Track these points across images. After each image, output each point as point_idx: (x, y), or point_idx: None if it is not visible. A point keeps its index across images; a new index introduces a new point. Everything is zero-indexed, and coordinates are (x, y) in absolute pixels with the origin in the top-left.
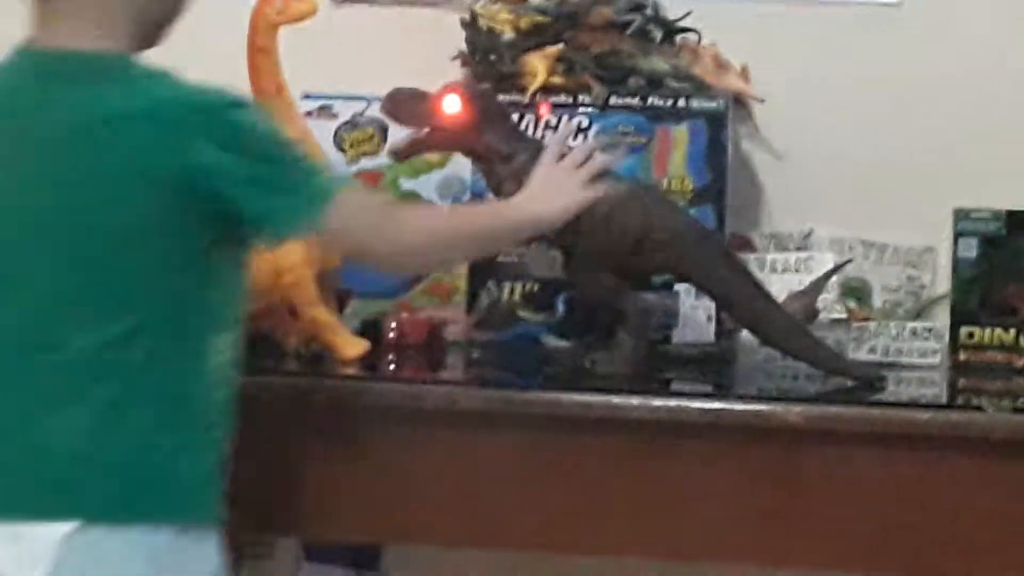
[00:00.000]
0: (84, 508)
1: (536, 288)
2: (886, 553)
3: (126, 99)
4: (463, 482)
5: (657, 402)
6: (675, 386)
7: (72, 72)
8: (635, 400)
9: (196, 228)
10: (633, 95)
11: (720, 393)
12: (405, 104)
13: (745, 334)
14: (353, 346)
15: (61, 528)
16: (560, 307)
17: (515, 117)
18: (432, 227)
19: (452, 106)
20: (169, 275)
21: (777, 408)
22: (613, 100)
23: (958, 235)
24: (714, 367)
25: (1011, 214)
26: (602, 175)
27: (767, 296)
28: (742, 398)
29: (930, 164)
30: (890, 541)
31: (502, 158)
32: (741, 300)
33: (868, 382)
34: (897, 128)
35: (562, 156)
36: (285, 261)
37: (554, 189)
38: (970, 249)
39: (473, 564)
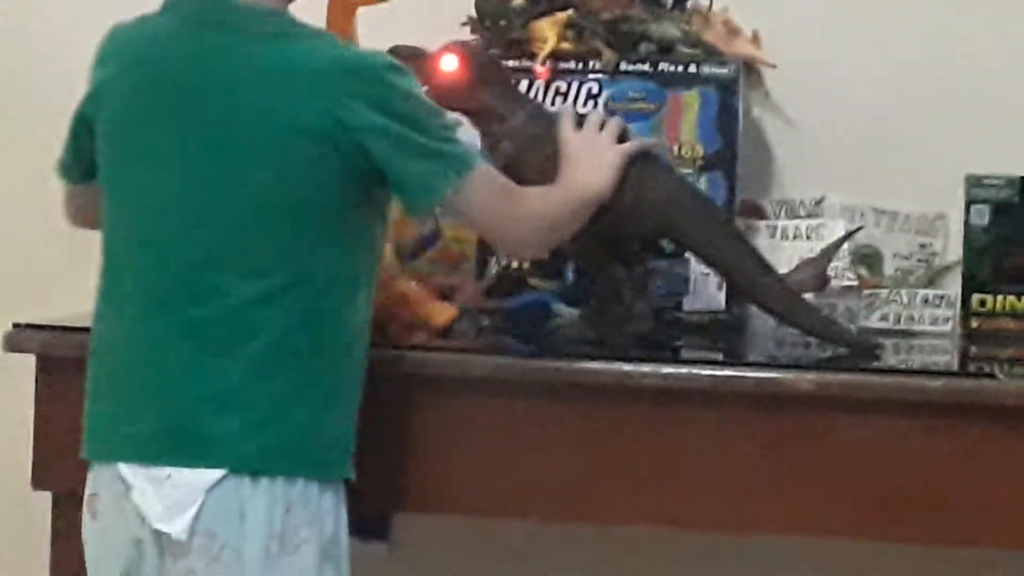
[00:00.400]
0: (230, 458)
1: (545, 255)
2: (898, 521)
3: (285, 55)
4: (472, 450)
5: (667, 369)
6: (685, 353)
7: (231, 24)
8: (645, 367)
9: (346, 187)
10: (643, 61)
11: (731, 360)
12: (403, 62)
13: None
14: (443, 313)
15: (208, 476)
16: (569, 274)
17: (524, 83)
18: (541, 212)
19: (449, 64)
20: (320, 232)
21: (788, 375)
22: (623, 66)
23: (970, 202)
24: (725, 334)
25: None
26: (622, 136)
27: (763, 262)
28: (753, 365)
29: (942, 131)
30: (902, 509)
31: (499, 117)
32: (736, 265)
33: (864, 350)
34: (909, 95)
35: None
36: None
37: (589, 155)
38: (982, 216)
39: (482, 533)
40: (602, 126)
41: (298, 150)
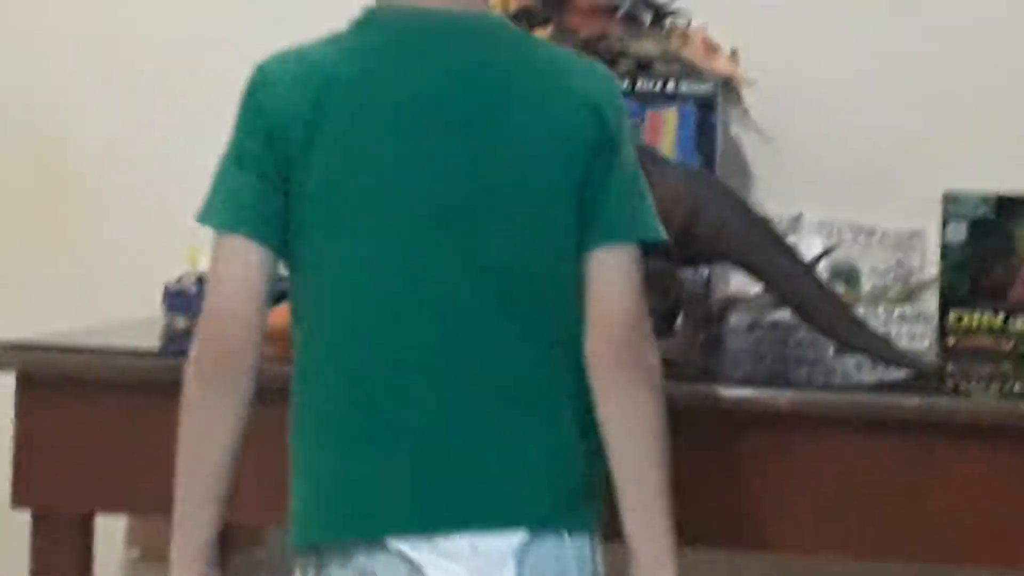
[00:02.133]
0: (530, 517)
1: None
2: (875, 538)
3: (548, 65)
4: None
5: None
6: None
7: (468, 37)
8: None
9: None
10: (622, 78)
11: (708, 377)
12: None
13: (735, 319)
14: None
15: (513, 539)
16: None
17: None
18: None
19: None
20: (574, 265)
21: (766, 393)
22: None
23: (947, 219)
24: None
25: (1000, 198)
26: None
27: (822, 285)
28: (731, 382)
29: (919, 148)
30: (878, 526)
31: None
32: (796, 289)
33: (924, 373)
34: (886, 112)
35: None
36: None
37: None
38: (959, 233)
39: None
40: None
41: (569, 169)
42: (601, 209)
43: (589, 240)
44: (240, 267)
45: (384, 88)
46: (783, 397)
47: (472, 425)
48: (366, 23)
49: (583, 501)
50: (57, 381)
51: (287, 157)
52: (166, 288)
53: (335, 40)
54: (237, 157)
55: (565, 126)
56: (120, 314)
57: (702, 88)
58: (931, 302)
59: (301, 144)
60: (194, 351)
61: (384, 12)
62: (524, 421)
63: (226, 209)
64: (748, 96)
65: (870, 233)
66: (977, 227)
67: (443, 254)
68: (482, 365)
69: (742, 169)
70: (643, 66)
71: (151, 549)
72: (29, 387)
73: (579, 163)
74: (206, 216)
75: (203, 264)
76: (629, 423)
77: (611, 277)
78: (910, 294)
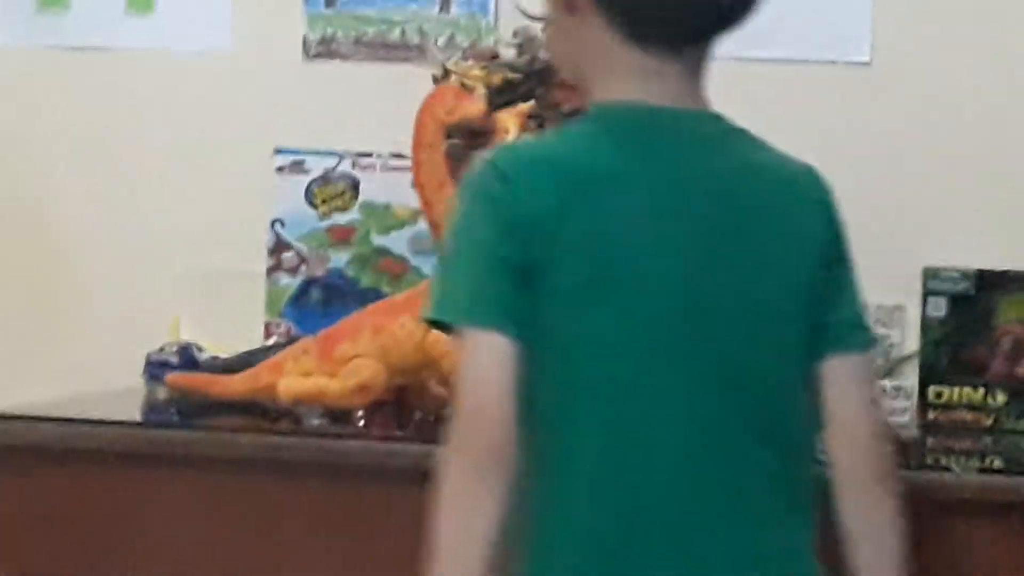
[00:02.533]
0: None
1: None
2: None
3: (779, 168)
4: None
5: None
6: None
7: (706, 132)
8: None
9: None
10: None
11: None
12: None
13: None
14: None
15: None
16: None
17: None
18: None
19: None
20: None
21: None
22: None
23: (927, 294)
24: None
25: (981, 273)
26: None
27: None
28: None
29: (900, 223)
30: None
31: None
32: None
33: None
34: (867, 186)
35: None
36: (436, 349)
37: None
38: (939, 308)
39: None
40: None
41: (806, 279)
42: (836, 315)
43: (826, 346)
44: (495, 365)
45: (629, 186)
46: None
47: (710, 529)
48: (600, 119)
49: None
50: (37, 451)
51: (533, 251)
52: (148, 358)
53: (570, 135)
54: (477, 250)
55: (800, 228)
56: (100, 384)
57: None
58: (911, 377)
59: (548, 238)
60: (454, 451)
61: (617, 109)
62: (759, 525)
63: (474, 304)
64: None
65: None
66: (957, 302)
67: (688, 356)
68: (721, 470)
69: None
70: None
71: None
72: (8, 457)
73: (814, 265)
74: (450, 312)
75: (185, 334)
76: (880, 534)
77: (855, 387)
78: (890, 369)
